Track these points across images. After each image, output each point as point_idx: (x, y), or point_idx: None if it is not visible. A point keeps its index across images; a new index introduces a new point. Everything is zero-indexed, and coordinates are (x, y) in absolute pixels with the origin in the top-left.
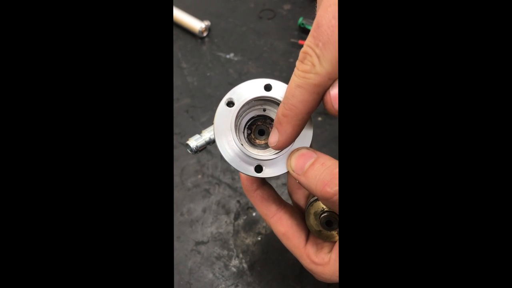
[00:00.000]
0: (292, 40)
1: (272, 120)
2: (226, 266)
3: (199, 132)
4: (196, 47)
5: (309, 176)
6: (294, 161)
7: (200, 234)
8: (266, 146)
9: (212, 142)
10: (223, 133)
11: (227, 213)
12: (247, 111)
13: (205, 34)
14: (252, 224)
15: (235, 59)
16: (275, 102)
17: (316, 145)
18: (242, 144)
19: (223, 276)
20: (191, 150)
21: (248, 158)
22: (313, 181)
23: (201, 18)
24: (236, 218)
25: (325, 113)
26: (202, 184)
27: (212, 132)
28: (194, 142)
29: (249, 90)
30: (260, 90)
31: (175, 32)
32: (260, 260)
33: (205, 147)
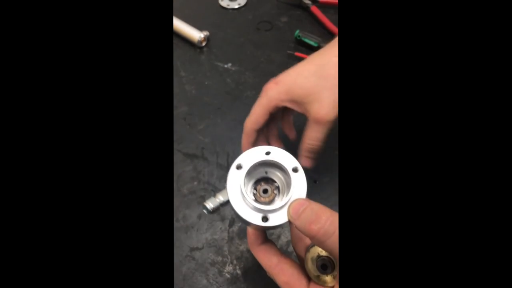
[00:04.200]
0: (289, 51)
1: (273, 181)
2: (220, 272)
3: (214, 194)
4: (194, 56)
5: (301, 219)
6: (291, 209)
7: (195, 240)
8: (269, 203)
9: (225, 202)
10: (235, 191)
11: (222, 219)
12: (252, 173)
13: (204, 44)
14: (246, 231)
15: (233, 69)
16: (274, 165)
17: None
18: (251, 199)
19: (217, 282)
20: (208, 211)
21: (256, 210)
22: (304, 222)
23: (200, 28)
24: (231, 225)
25: None
26: (198, 191)
27: (225, 194)
28: (211, 204)
29: (253, 155)
30: (262, 155)
31: (175, 41)
32: (253, 267)
33: (219, 208)
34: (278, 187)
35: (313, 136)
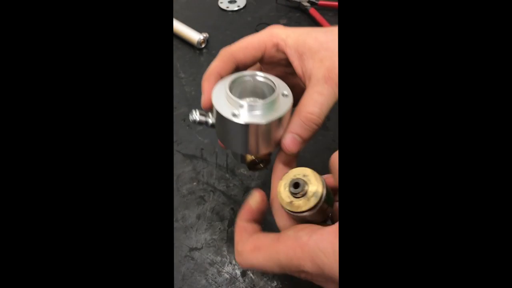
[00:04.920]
0: None
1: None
2: (219, 273)
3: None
4: (194, 57)
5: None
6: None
7: (194, 241)
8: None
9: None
10: (221, 95)
11: (221, 220)
12: (239, 87)
13: (203, 45)
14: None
15: None
16: (263, 83)
17: (309, 155)
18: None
19: (216, 282)
20: (194, 119)
21: (233, 104)
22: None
23: (199, 30)
24: (230, 225)
25: None
26: (197, 191)
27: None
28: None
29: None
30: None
31: (174, 43)
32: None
33: (204, 120)
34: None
35: (316, 101)
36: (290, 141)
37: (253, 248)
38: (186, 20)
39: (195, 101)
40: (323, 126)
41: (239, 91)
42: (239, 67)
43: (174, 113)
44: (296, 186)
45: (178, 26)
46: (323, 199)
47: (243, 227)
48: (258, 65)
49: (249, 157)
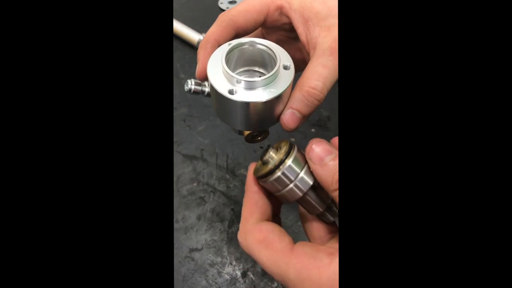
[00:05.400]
0: None
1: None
2: (220, 273)
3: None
4: (194, 58)
5: (327, 169)
6: (314, 152)
7: (194, 241)
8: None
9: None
10: (216, 66)
11: (221, 220)
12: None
13: None
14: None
15: None
16: (263, 52)
17: None
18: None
19: (216, 283)
20: (189, 89)
21: (229, 79)
22: (330, 174)
23: (199, 30)
24: (230, 225)
25: (318, 124)
26: (197, 192)
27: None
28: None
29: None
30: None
31: (174, 43)
32: (252, 268)
33: (200, 90)
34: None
35: (320, 75)
36: (289, 117)
37: (262, 240)
38: (186, 21)
39: (194, 102)
40: (323, 126)
41: (236, 60)
42: (239, 33)
43: (174, 114)
44: (265, 152)
45: (178, 27)
46: (282, 168)
47: (254, 200)
48: (259, 29)
49: (247, 131)
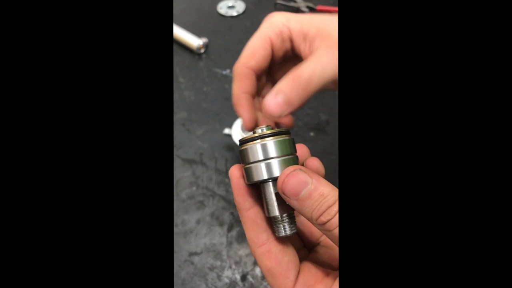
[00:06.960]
0: None
1: None
2: (219, 277)
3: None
4: (193, 63)
5: (305, 205)
6: (288, 185)
7: (193, 245)
8: None
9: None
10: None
11: (221, 224)
12: None
13: (202, 50)
14: (245, 235)
15: (231, 75)
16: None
17: None
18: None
19: (215, 287)
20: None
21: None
22: (309, 210)
23: (199, 35)
24: (230, 229)
25: (317, 128)
26: (197, 196)
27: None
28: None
29: None
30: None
31: (174, 48)
32: (252, 271)
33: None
34: None
35: (311, 67)
36: (273, 99)
37: (269, 269)
38: (186, 26)
39: (194, 106)
40: (322, 130)
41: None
42: (258, 74)
43: (174, 118)
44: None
45: (178, 32)
46: (266, 140)
47: (252, 218)
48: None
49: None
